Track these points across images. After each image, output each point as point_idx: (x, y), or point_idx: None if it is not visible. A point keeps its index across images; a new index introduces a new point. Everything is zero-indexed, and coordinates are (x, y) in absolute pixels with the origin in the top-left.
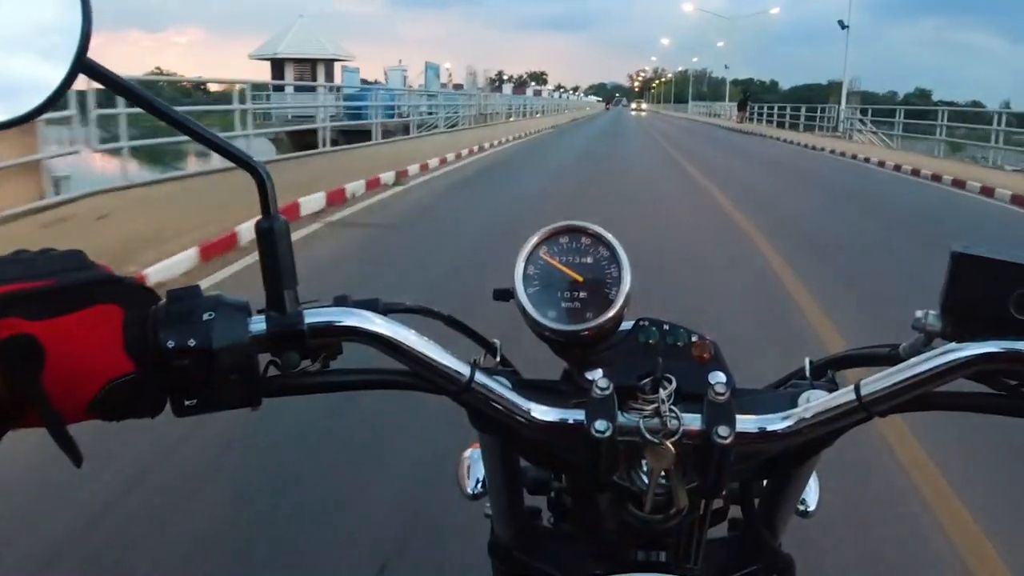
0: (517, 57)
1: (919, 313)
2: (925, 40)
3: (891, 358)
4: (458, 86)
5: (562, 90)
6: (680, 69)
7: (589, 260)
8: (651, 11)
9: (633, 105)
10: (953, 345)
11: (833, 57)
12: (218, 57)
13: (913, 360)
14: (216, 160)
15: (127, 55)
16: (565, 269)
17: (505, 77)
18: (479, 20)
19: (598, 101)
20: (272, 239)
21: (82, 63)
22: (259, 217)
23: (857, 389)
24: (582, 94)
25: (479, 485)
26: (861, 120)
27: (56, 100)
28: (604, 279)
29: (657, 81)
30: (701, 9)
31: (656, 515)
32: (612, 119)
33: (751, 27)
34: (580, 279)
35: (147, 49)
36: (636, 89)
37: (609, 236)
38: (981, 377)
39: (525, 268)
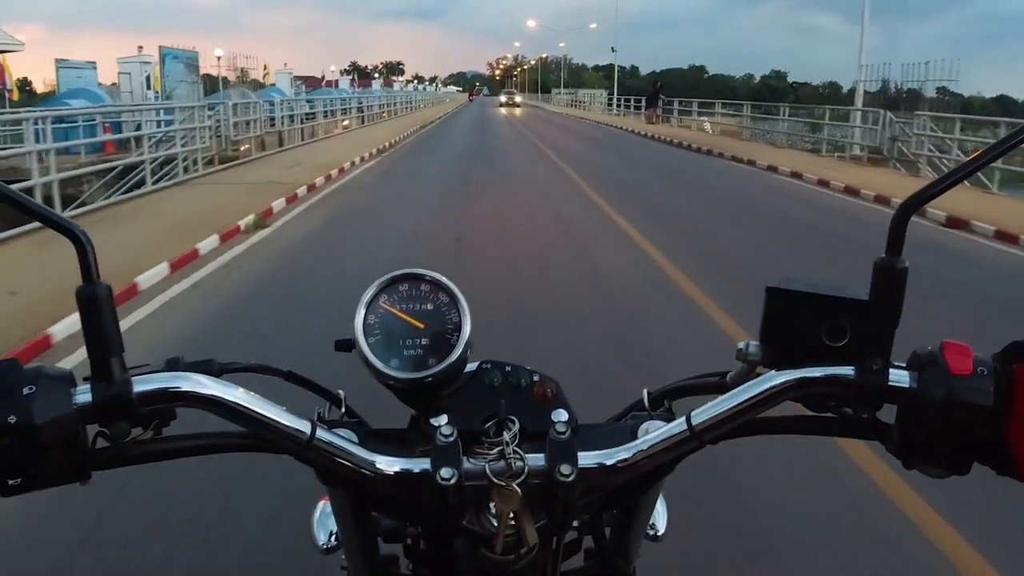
0: (376, 49)
1: (741, 344)
2: (777, 25)
3: (720, 387)
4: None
5: (417, 81)
6: (543, 56)
7: (429, 307)
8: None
9: (503, 98)
10: (773, 373)
11: (691, 41)
12: None
13: (738, 389)
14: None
15: None
16: (405, 317)
17: (361, 68)
18: (336, 11)
19: (458, 91)
20: (96, 304)
21: None
22: (80, 284)
23: (688, 420)
24: (440, 84)
25: (332, 538)
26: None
27: None
28: (445, 325)
29: (519, 69)
30: (543, 25)
31: (508, 555)
32: (477, 120)
33: (607, 17)
34: (421, 326)
35: None
36: (497, 77)
37: (448, 282)
38: (803, 401)
39: (365, 317)
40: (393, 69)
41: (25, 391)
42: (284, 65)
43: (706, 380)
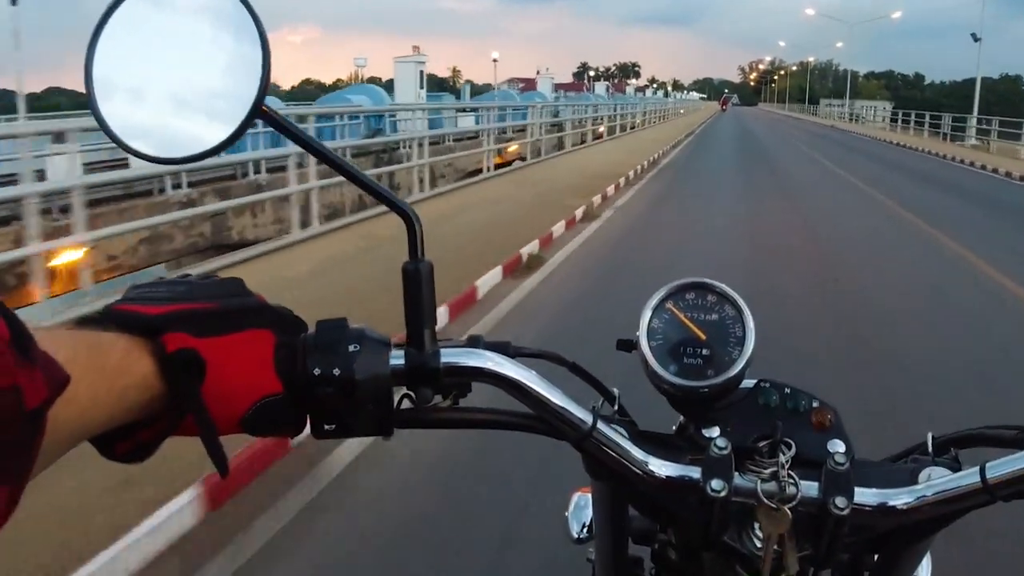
0: (616, 53)
1: None
2: None
3: (1017, 441)
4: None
5: (655, 86)
6: (807, 60)
7: (714, 317)
8: (764, 3)
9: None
10: None
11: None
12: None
13: None
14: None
15: None
16: (690, 324)
17: (592, 71)
18: (585, 15)
19: (702, 99)
20: (418, 280)
21: (259, 108)
22: (406, 259)
23: (983, 471)
24: (684, 91)
25: (585, 530)
26: None
27: (233, 142)
28: (728, 338)
29: (777, 74)
30: (822, 14)
31: None
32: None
33: (870, 27)
34: (703, 336)
35: None
36: (752, 83)
37: (736, 296)
38: None
39: (650, 321)
40: (628, 71)
41: (351, 348)
42: (414, 49)
43: (1002, 432)
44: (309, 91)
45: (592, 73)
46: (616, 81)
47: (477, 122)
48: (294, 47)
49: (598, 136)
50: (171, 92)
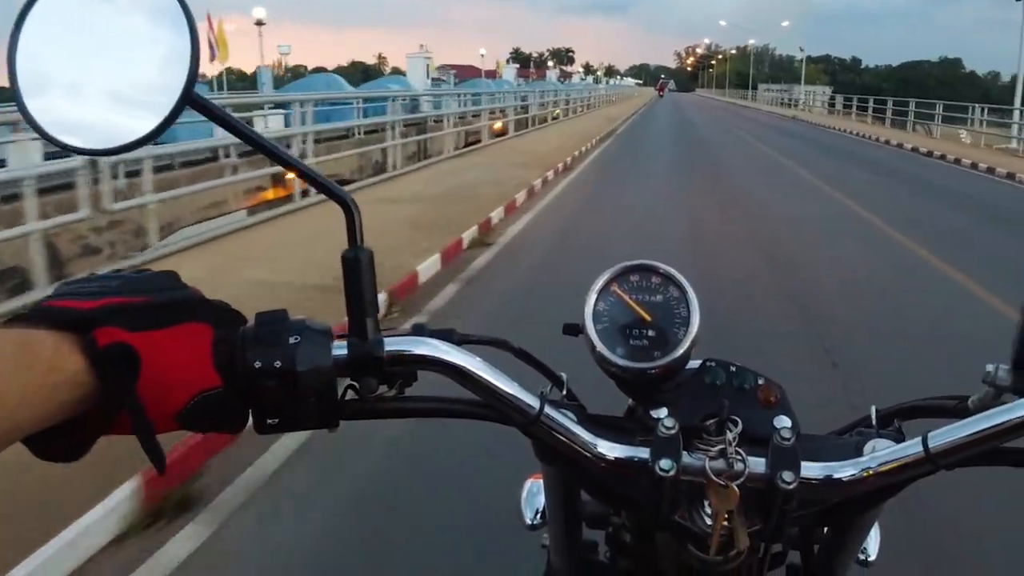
0: (553, 40)
1: (989, 367)
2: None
3: (959, 411)
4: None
5: (586, 72)
6: (745, 44)
7: (659, 299)
8: None
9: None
10: (1022, 401)
11: (904, 34)
12: None
13: (983, 414)
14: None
15: None
16: (635, 306)
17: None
18: (524, 4)
19: (637, 84)
20: (358, 268)
21: (188, 97)
22: (346, 247)
23: (925, 441)
24: (620, 78)
25: (538, 516)
26: None
27: (162, 131)
28: (673, 319)
29: (715, 59)
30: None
31: (716, 556)
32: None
33: (808, 11)
34: (649, 317)
35: None
36: (689, 69)
37: (680, 277)
38: None
39: (595, 304)
40: (561, 58)
41: (291, 340)
42: (420, 47)
43: (944, 403)
44: (230, 81)
45: (506, 59)
46: (535, 68)
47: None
48: (228, 36)
49: (500, 133)
50: (99, 83)
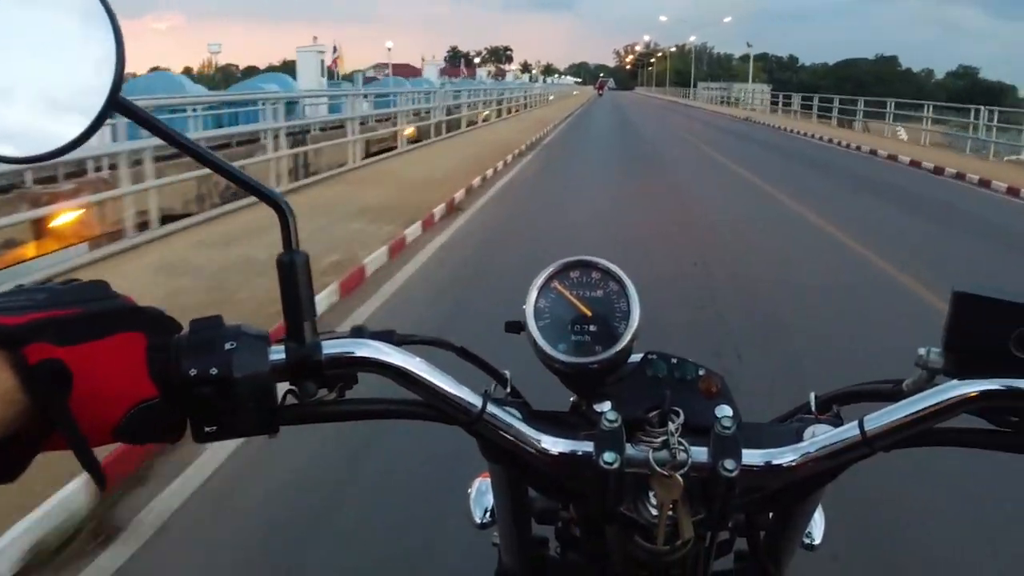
0: (494, 38)
1: (921, 350)
2: (919, 18)
3: (894, 394)
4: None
5: (523, 70)
6: (684, 42)
7: (599, 294)
8: None
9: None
10: (955, 382)
11: (841, 32)
12: None
13: (916, 396)
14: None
15: None
16: (576, 302)
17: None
18: (466, 2)
19: (577, 83)
20: (294, 271)
21: (114, 100)
22: (280, 251)
23: (861, 424)
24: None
25: (487, 514)
26: None
27: (88, 136)
28: (614, 313)
29: (654, 57)
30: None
31: (663, 547)
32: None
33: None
34: (589, 313)
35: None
36: (628, 67)
37: (619, 271)
38: (983, 413)
39: (536, 301)
40: (500, 56)
41: (227, 346)
42: (314, 39)
43: (879, 387)
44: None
45: (443, 57)
46: (467, 67)
47: None
48: (158, 34)
49: (415, 140)
50: (22, 89)
